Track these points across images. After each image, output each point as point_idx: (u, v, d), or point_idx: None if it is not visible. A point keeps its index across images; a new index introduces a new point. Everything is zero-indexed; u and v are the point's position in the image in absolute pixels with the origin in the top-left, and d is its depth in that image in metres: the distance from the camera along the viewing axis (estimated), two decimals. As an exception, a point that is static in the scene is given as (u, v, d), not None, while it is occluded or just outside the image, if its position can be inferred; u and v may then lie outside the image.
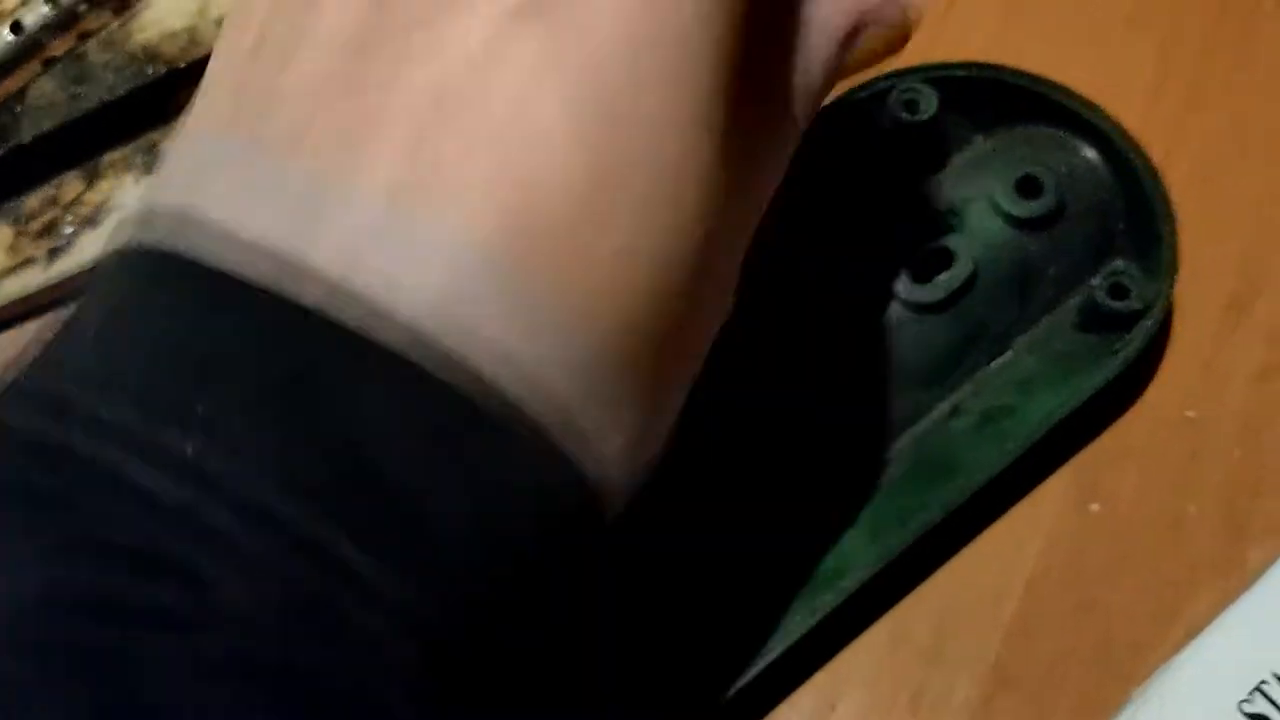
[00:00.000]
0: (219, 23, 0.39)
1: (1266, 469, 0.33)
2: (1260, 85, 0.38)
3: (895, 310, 0.33)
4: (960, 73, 0.35)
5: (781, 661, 0.30)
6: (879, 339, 0.33)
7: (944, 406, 0.33)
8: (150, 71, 0.39)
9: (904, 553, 0.30)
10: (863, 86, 0.35)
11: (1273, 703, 0.29)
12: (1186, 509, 0.33)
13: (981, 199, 0.34)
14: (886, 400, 0.33)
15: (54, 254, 0.37)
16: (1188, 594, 0.32)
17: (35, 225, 0.37)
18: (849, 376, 0.33)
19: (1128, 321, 0.32)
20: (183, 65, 0.39)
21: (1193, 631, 0.31)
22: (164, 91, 0.39)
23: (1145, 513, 0.33)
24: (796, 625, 0.30)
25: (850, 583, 0.30)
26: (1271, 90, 0.38)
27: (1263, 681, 0.29)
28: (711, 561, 0.31)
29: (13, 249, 0.37)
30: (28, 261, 0.37)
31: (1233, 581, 0.32)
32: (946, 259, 0.33)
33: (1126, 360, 0.32)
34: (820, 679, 0.32)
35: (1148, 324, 0.32)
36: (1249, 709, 0.29)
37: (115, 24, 0.35)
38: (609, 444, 0.19)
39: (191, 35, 0.40)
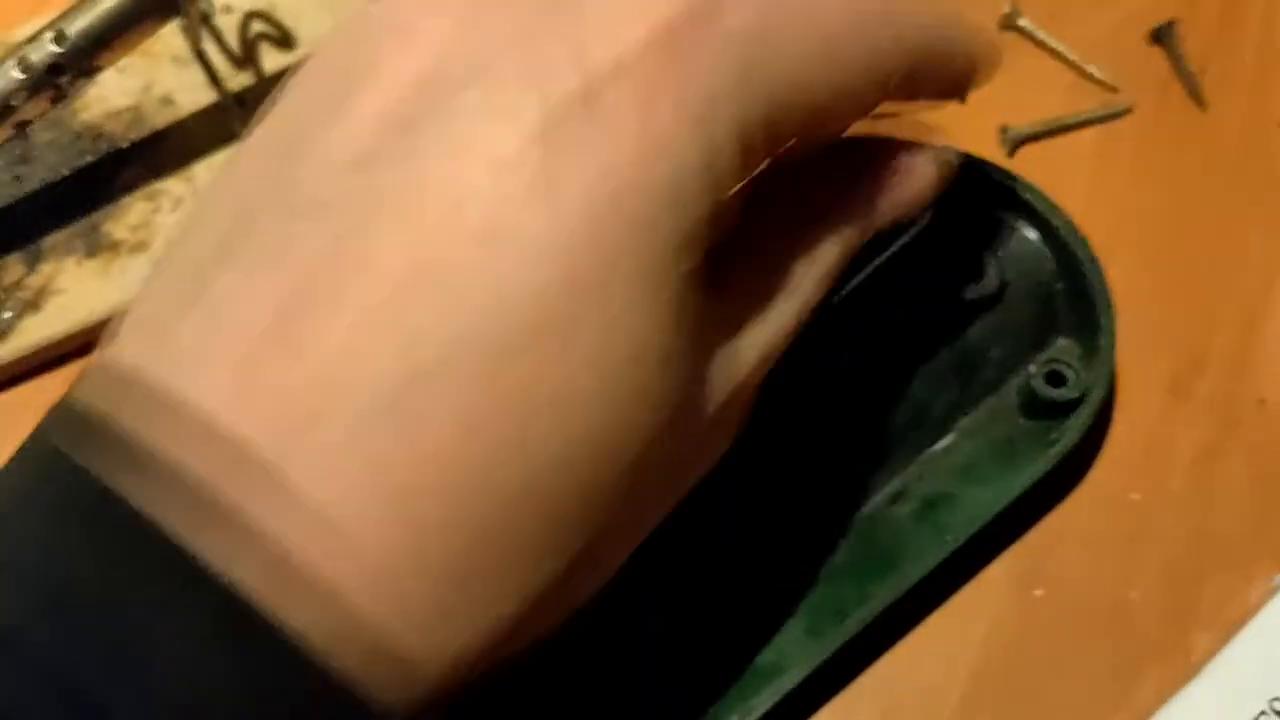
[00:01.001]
0: (164, 100, 0.39)
1: (1210, 552, 0.33)
2: (1201, 164, 0.38)
3: (839, 388, 0.33)
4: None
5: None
6: (828, 419, 0.33)
7: (888, 490, 0.33)
8: (93, 150, 0.39)
9: (843, 647, 0.30)
10: None
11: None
12: (1129, 594, 0.33)
13: (923, 279, 0.34)
14: (832, 481, 0.33)
15: (-5, 338, 0.37)
16: (1132, 681, 0.32)
17: (-26, 309, 0.37)
18: (796, 454, 0.33)
19: (1065, 409, 0.32)
20: (126, 144, 0.39)
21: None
22: (108, 170, 0.39)
23: (1089, 598, 0.33)
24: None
25: (788, 680, 0.29)
26: (1212, 168, 0.38)
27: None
28: (640, 652, 0.30)
29: (-49, 333, 0.37)
30: (-34, 346, 0.36)
31: (1177, 668, 0.32)
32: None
33: (1063, 451, 0.31)
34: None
35: (1085, 412, 0.32)
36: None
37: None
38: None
39: (136, 113, 0.39)
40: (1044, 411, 0.32)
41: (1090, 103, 0.39)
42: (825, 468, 0.33)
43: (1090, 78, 0.40)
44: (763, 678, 0.30)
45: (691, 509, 0.31)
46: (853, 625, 0.30)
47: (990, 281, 0.33)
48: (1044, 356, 0.33)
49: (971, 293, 0.33)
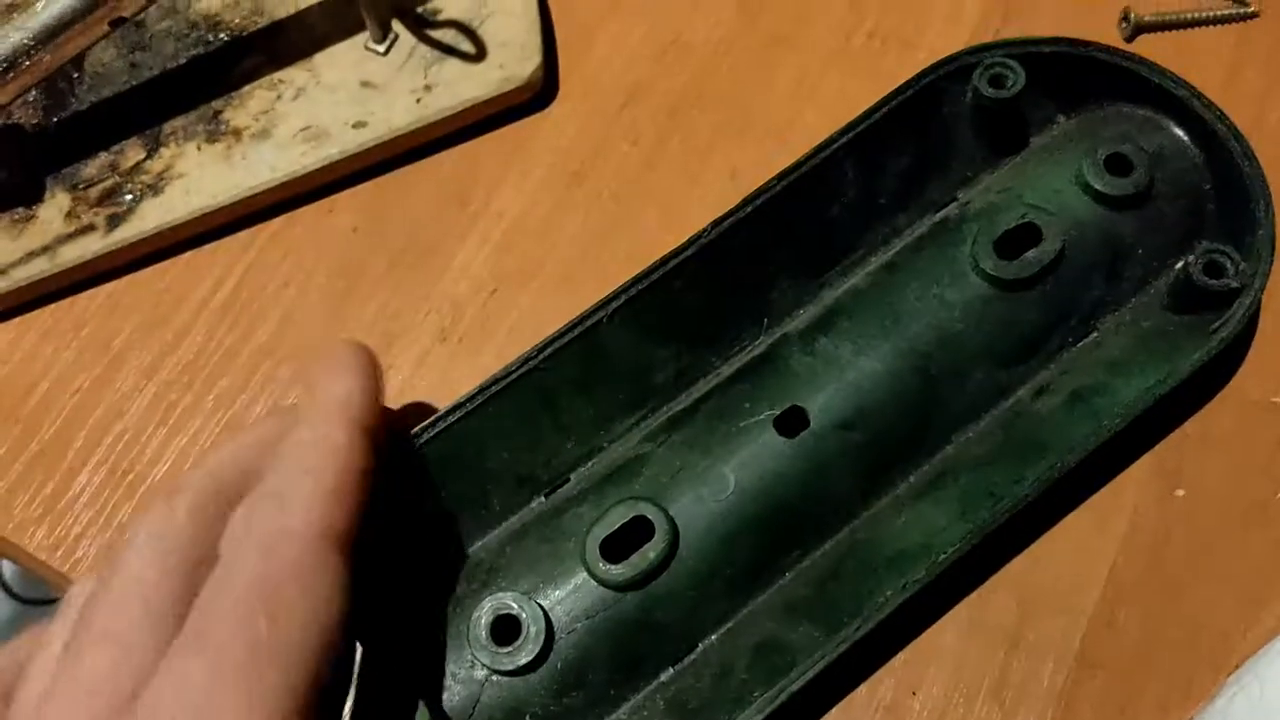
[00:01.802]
0: (281, -9, 0.39)
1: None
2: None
3: (981, 287, 0.32)
4: (1048, 48, 0.34)
5: (866, 640, 0.29)
6: (963, 315, 0.32)
7: (1030, 386, 0.32)
8: (211, 39, 0.39)
9: (992, 531, 0.29)
10: (948, 60, 0.34)
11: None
12: (1273, 495, 0.32)
13: (1068, 176, 0.33)
14: (970, 377, 0.32)
15: (113, 221, 0.36)
16: (1275, 580, 0.31)
17: (94, 191, 0.37)
18: (932, 351, 0.32)
19: (1224, 300, 0.31)
20: (245, 34, 0.39)
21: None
22: (227, 59, 0.38)
23: (1231, 499, 0.32)
24: (886, 602, 0.29)
25: (938, 557, 0.29)
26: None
27: (1365, 668, 0.29)
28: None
29: (71, 215, 0.36)
30: (87, 228, 0.36)
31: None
32: (1034, 235, 0.32)
33: (1224, 340, 0.31)
34: (900, 665, 0.31)
35: (1246, 302, 0.31)
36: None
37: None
38: None
39: (255, 3, 0.39)
40: (1200, 303, 0.32)
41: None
42: (966, 363, 0.32)
43: (1217, -11, 0.39)
44: (916, 556, 0.29)
45: (842, 410, 0.31)
46: (1004, 506, 0.29)
47: (1139, 176, 0.32)
48: (1197, 251, 0.32)
49: (1120, 188, 0.32)
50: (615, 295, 0.32)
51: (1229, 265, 0.31)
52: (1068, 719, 0.30)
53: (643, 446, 0.32)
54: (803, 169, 0.33)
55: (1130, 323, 0.33)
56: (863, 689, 0.31)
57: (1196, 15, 0.39)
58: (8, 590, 0.71)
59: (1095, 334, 0.33)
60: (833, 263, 0.34)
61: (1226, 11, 0.39)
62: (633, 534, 0.30)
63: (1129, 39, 0.39)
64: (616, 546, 0.30)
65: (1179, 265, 0.32)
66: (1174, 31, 0.39)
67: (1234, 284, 0.31)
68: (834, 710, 0.31)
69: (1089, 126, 0.34)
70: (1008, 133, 0.35)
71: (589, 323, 0.32)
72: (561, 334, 0.32)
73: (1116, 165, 0.33)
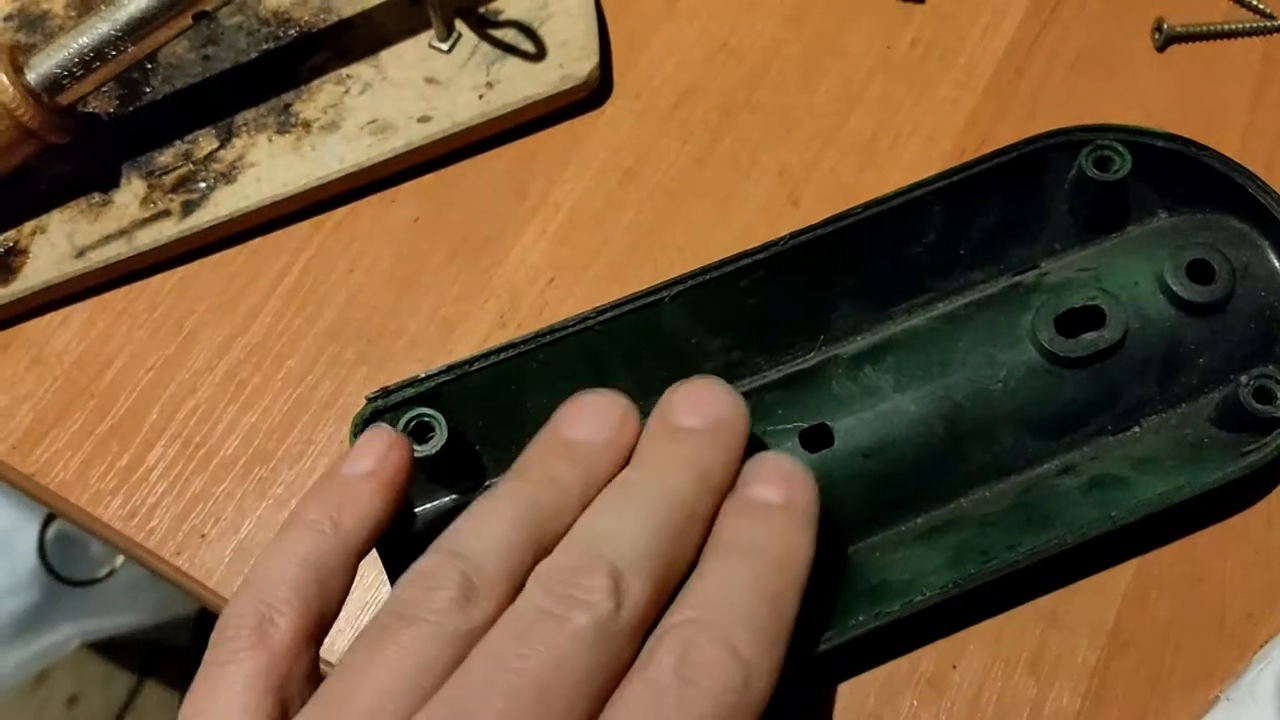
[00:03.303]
0: (350, -11, 0.41)
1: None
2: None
3: (1032, 356, 0.33)
4: (1162, 143, 0.34)
5: (910, 618, 0.30)
6: (1006, 378, 0.33)
7: (1056, 462, 0.33)
8: (281, 35, 0.40)
9: (977, 586, 0.30)
10: (1058, 132, 0.35)
11: (1395, 670, 0.30)
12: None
13: (1149, 271, 0.34)
14: (998, 439, 0.33)
15: (188, 207, 0.38)
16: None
17: (169, 179, 0.38)
18: (966, 405, 0.33)
19: (1266, 426, 0.32)
20: (314, 31, 0.40)
21: (1309, 603, 0.32)
22: (296, 55, 0.40)
23: (1260, 484, 0.34)
24: (857, 625, 0.30)
25: (920, 598, 0.30)
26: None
27: (1388, 646, 0.30)
28: None
29: (146, 201, 0.38)
30: (162, 214, 0.38)
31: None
32: (1098, 318, 0.33)
33: (1253, 465, 0.31)
34: (942, 640, 0.33)
35: None
36: (1374, 672, 0.30)
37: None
38: None
39: (324, 1, 0.41)
40: (1243, 424, 0.32)
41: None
42: (1000, 428, 0.33)
43: (1245, 3, 0.41)
44: (897, 592, 0.31)
45: (868, 438, 0.32)
46: (993, 567, 0.30)
47: (1219, 287, 0.33)
48: (1253, 373, 0.33)
49: (1196, 295, 0.33)
50: (681, 279, 0.33)
51: (1279, 392, 0.32)
52: (1102, 693, 0.32)
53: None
54: (891, 203, 0.34)
55: (1173, 427, 0.33)
56: (904, 661, 0.32)
57: (1227, 27, 0.40)
58: (50, 569, 0.72)
59: (1136, 429, 0.33)
60: (899, 299, 0.35)
61: (1256, 24, 0.40)
62: None
63: (1161, 49, 0.40)
64: None
65: (1235, 382, 0.33)
66: (1206, 43, 0.40)
67: (1278, 413, 0.32)
68: (877, 682, 0.32)
69: (1186, 227, 0.35)
70: (1105, 214, 0.35)
71: (650, 299, 0.33)
72: (621, 303, 0.33)
73: (1198, 271, 0.33)
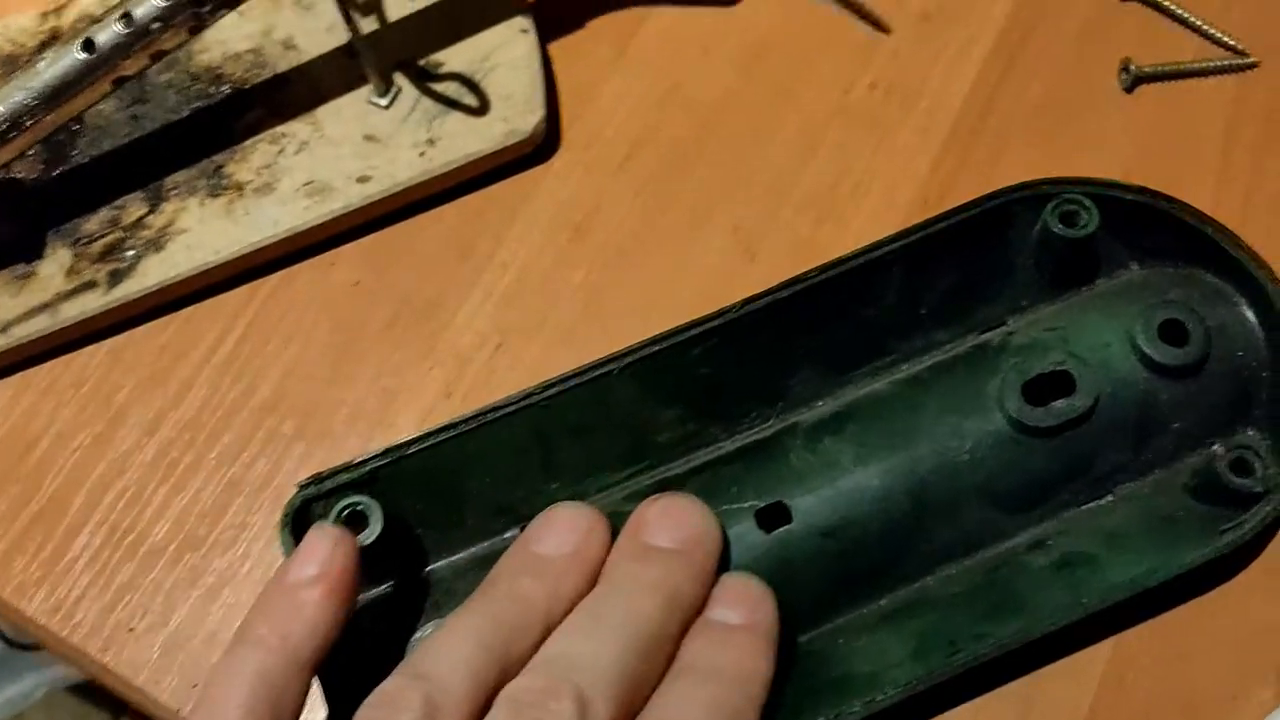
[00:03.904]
0: (286, 44, 0.39)
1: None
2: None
3: (999, 425, 0.31)
4: (1130, 196, 0.33)
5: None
6: (973, 449, 0.31)
7: (1026, 536, 0.31)
8: (213, 92, 0.39)
9: (944, 680, 0.29)
10: (1022, 186, 0.33)
11: (1384, 756, 0.28)
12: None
13: (1119, 331, 0.32)
14: (965, 513, 0.31)
15: (115, 277, 0.36)
16: (1273, 652, 0.31)
17: (95, 247, 0.36)
18: (931, 478, 0.31)
19: (1242, 501, 0.30)
20: (247, 87, 0.39)
21: (1291, 683, 0.31)
22: (229, 113, 0.38)
23: (1238, 557, 0.32)
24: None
25: (883, 697, 0.28)
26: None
27: (1374, 734, 0.29)
28: None
29: (72, 271, 0.36)
30: (88, 285, 0.36)
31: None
32: (1067, 384, 0.31)
33: (1230, 545, 0.30)
34: (911, 725, 0.31)
35: (1265, 510, 0.30)
36: (1360, 763, 0.28)
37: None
38: None
39: (257, 56, 0.39)
40: (1219, 498, 0.31)
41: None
42: (967, 501, 0.31)
43: (1215, 40, 0.39)
44: (858, 688, 0.29)
45: (828, 516, 0.31)
46: (960, 660, 0.29)
47: (1192, 349, 0.31)
48: (1231, 442, 0.31)
49: (1170, 357, 0.31)
50: (630, 351, 0.32)
51: (1258, 465, 0.30)
52: (1078, 782, 0.30)
53: (625, 505, 0.31)
54: (848, 264, 0.32)
55: (1147, 496, 0.31)
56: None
57: (1196, 66, 0.39)
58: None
59: (1109, 497, 0.32)
60: (860, 363, 0.33)
61: (1226, 62, 0.39)
62: None
63: (1129, 89, 0.39)
64: None
65: (1210, 450, 0.31)
66: (1174, 82, 0.39)
67: (1257, 488, 0.30)
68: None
69: (1158, 282, 0.33)
70: (1075, 269, 0.34)
71: (597, 372, 0.32)
72: (568, 378, 0.32)
73: (1172, 333, 0.31)
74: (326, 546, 0.27)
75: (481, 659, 0.25)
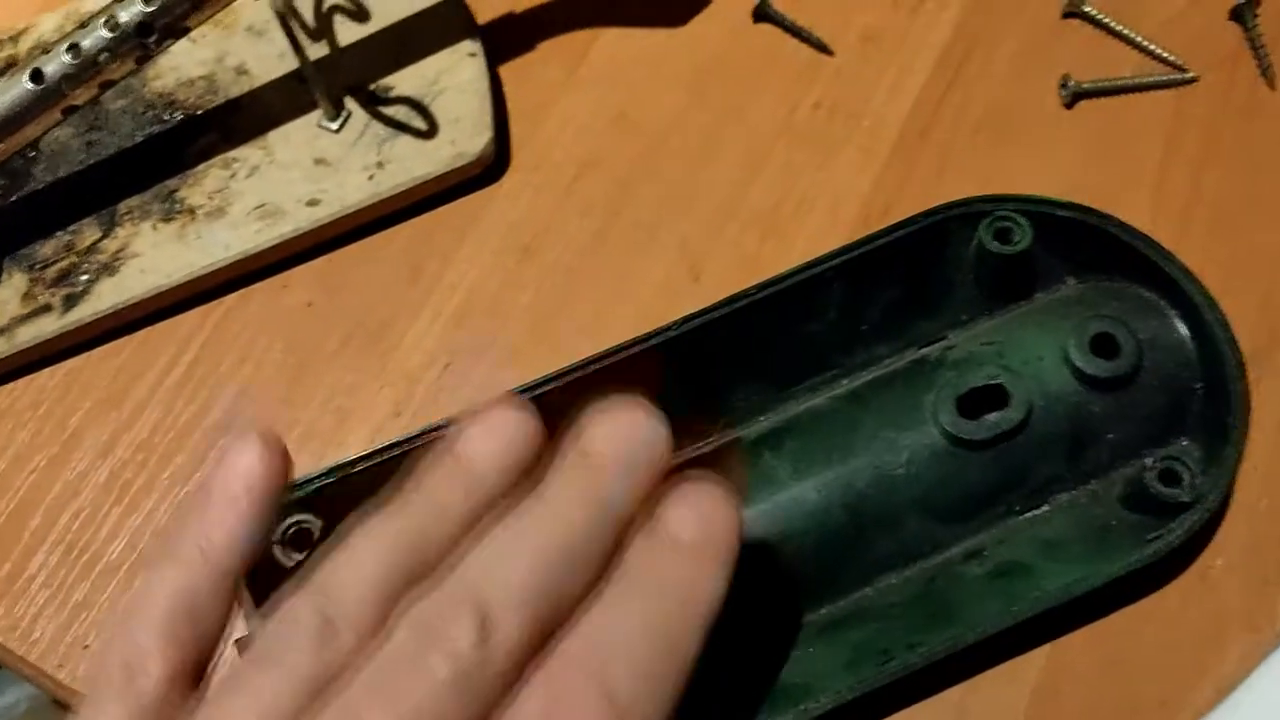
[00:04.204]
0: (238, 70, 0.40)
1: (1293, 520, 0.33)
2: (1270, 139, 0.39)
3: (934, 439, 0.32)
4: (1062, 212, 0.34)
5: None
6: (909, 462, 0.32)
7: (963, 546, 0.32)
8: (167, 118, 0.39)
9: (877, 689, 0.29)
10: (957, 204, 0.34)
11: (1309, 761, 0.29)
12: (1213, 561, 0.33)
13: (1054, 345, 0.32)
14: (902, 525, 0.32)
15: (70, 301, 0.36)
16: (1215, 650, 0.32)
17: (50, 272, 0.37)
18: (868, 492, 0.32)
19: (1173, 510, 0.31)
20: (200, 113, 0.39)
21: (1223, 686, 0.31)
22: (182, 138, 0.39)
23: (1173, 564, 0.33)
24: None
25: (815, 707, 0.29)
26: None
27: (1300, 737, 0.29)
28: None
29: (27, 296, 0.37)
30: (43, 309, 0.36)
31: (1264, 636, 0.32)
32: (1001, 397, 0.32)
33: (1158, 554, 0.30)
34: (847, 736, 0.32)
35: (1190, 520, 0.30)
36: (1286, 766, 0.29)
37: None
38: None
39: (210, 82, 0.40)
40: (1149, 507, 0.31)
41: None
42: (904, 514, 0.32)
43: (1154, 55, 0.40)
44: (790, 698, 0.29)
45: (765, 529, 0.31)
46: (892, 669, 0.29)
47: (1124, 362, 0.32)
48: (1162, 452, 0.32)
49: (1101, 370, 0.32)
50: (569, 370, 0.32)
51: (1185, 475, 0.31)
52: (1013, 790, 0.31)
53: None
54: (788, 282, 0.33)
55: (1083, 506, 0.32)
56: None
57: (1136, 81, 0.40)
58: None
59: (1046, 507, 0.32)
60: (802, 378, 0.34)
61: (1166, 78, 0.40)
62: None
63: (1069, 105, 0.39)
64: None
65: (1144, 461, 0.32)
66: (1114, 97, 0.40)
67: (1185, 497, 0.31)
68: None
69: (1092, 297, 0.34)
70: (1012, 284, 0.34)
71: (542, 390, 0.32)
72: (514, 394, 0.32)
73: (1103, 346, 0.32)
74: (252, 454, 0.25)
75: (386, 572, 0.23)
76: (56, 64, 0.33)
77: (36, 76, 0.33)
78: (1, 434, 0.36)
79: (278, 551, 0.30)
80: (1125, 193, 0.38)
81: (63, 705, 0.35)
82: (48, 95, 0.33)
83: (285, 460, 0.26)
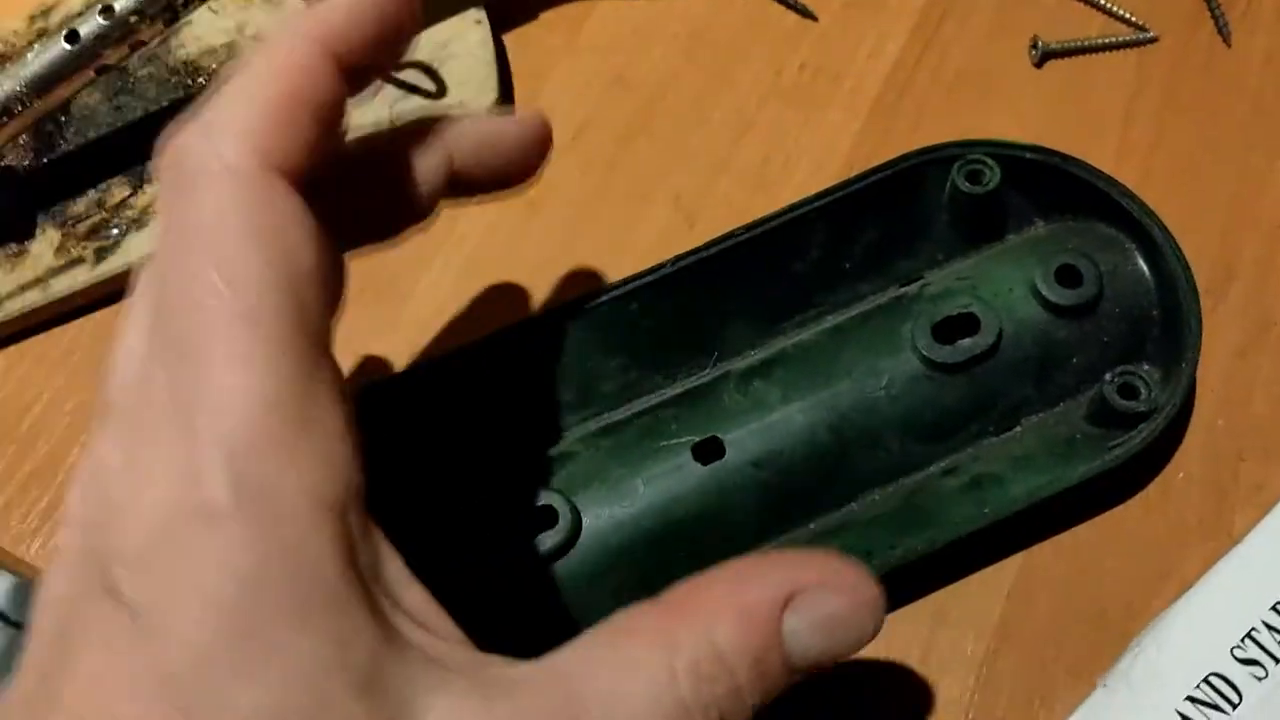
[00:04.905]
0: (257, 39, 0.42)
1: (1248, 437, 0.36)
2: (1226, 96, 0.41)
3: (913, 364, 0.34)
4: (1028, 155, 0.36)
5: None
6: (888, 385, 0.34)
7: (941, 465, 0.34)
8: (191, 84, 0.42)
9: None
10: (931, 149, 0.36)
11: (1263, 648, 0.31)
12: (1175, 476, 0.35)
13: (1021, 278, 0.35)
14: (884, 445, 0.34)
15: (101, 254, 0.39)
16: (1177, 557, 0.34)
17: (82, 227, 0.39)
18: (850, 413, 0.34)
19: (1133, 421, 0.33)
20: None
21: (1184, 587, 0.33)
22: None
23: (1136, 477, 0.35)
24: None
25: None
26: (1235, 100, 0.41)
27: (1253, 629, 0.31)
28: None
29: (60, 249, 0.39)
30: (76, 261, 0.39)
31: (1221, 544, 0.34)
32: (973, 325, 0.34)
33: (1118, 459, 0.33)
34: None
35: (1148, 428, 0.33)
36: (1241, 654, 0.31)
37: (160, 38, 0.37)
38: None
39: (231, 50, 0.42)
40: (1111, 420, 0.34)
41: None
42: (885, 434, 0.34)
43: (1118, 17, 0.43)
44: None
45: (757, 449, 0.34)
46: (873, 568, 0.31)
47: (1086, 290, 0.34)
48: (1117, 370, 0.34)
49: (1065, 298, 0.34)
50: (573, 305, 0.35)
51: (1143, 389, 0.33)
52: (989, 684, 0.33)
53: (574, 446, 0.35)
54: (773, 223, 0.35)
55: (1051, 426, 0.35)
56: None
57: (1100, 41, 0.42)
58: (6, 619, 0.73)
59: (1017, 429, 0.35)
60: (789, 314, 0.36)
61: (1128, 38, 0.42)
62: (541, 521, 0.33)
63: (1038, 65, 0.42)
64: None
65: (1105, 380, 0.34)
66: (1080, 56, 0.42)
67: (1142, 408, 0.33)
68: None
69: (1059, 235, 0.36)
70: (985, 224, 0.37)
71: (543, 325, 0.35)
72: (511, 329, 0.34)
73: (1066, 276, 0.34)
74: None
75: None
76: (91, 25, 0.35)
77: (72, 37, 0.36)
78: (37, 380, 0.39)
79: None
80: (1091, 143, 0.40)
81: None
82: (82, 55, 0.36)
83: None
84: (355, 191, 0.27)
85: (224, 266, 0.20)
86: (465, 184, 0.28)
